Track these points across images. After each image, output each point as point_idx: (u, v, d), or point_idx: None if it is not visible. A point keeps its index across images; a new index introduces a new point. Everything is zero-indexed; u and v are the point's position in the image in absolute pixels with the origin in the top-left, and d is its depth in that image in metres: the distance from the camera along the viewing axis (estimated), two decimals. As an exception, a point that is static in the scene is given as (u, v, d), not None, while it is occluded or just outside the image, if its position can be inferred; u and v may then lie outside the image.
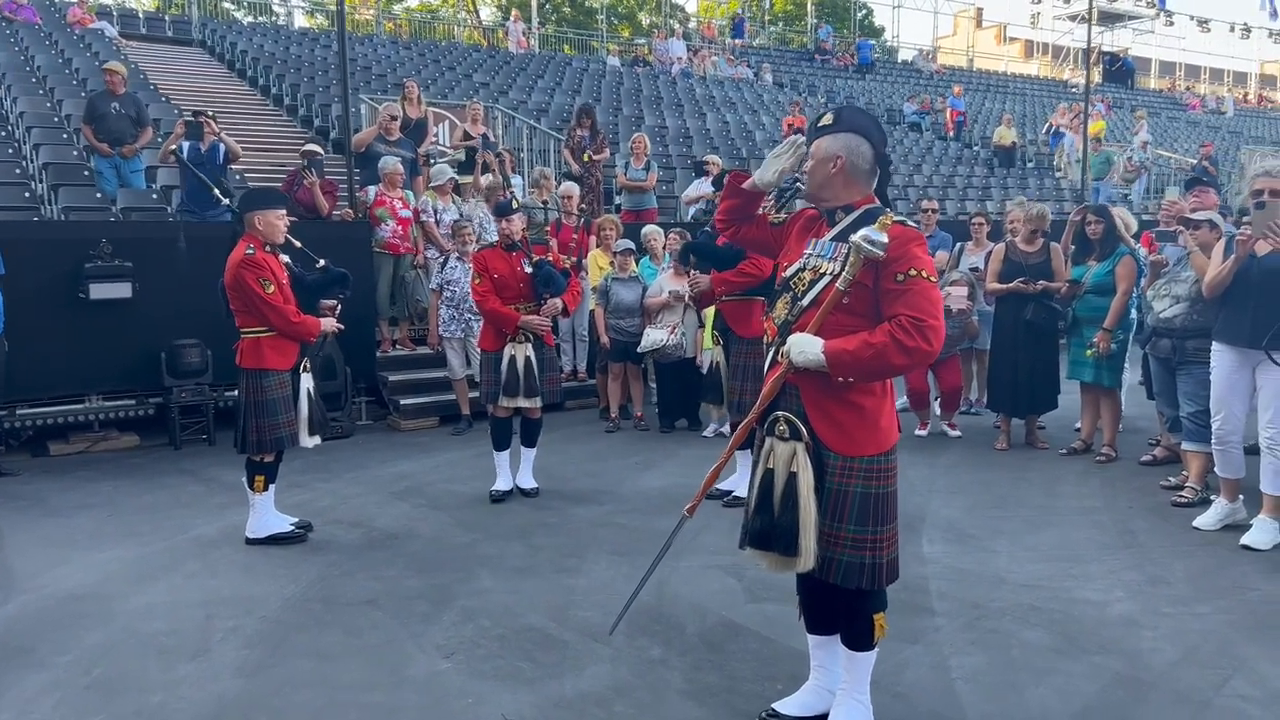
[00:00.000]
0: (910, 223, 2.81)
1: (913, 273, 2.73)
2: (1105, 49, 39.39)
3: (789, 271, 2.99)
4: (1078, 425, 7.64)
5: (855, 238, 2.71)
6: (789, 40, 37.31)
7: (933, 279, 2.77)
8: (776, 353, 2.95)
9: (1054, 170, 21.27)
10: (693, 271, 5.97)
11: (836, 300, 2.78)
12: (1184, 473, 5.96)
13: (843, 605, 3.00)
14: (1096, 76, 38.88)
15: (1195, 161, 20.60)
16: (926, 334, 2.68)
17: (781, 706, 3.19)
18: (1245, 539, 4.88)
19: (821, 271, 2.86)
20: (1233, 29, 43.40)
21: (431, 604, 4.33)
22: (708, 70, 25.26)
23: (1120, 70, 38.89)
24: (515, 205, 5.91)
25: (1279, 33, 43.05)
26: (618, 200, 12.10)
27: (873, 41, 35.84)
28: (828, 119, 2.88)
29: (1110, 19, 40.94)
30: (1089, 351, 6.65)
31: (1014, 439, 7.30)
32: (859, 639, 3.01)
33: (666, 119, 18.48)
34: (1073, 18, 41.22)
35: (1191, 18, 41.92)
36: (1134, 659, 3.65)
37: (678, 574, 4.61)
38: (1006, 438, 7.25)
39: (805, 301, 2.87)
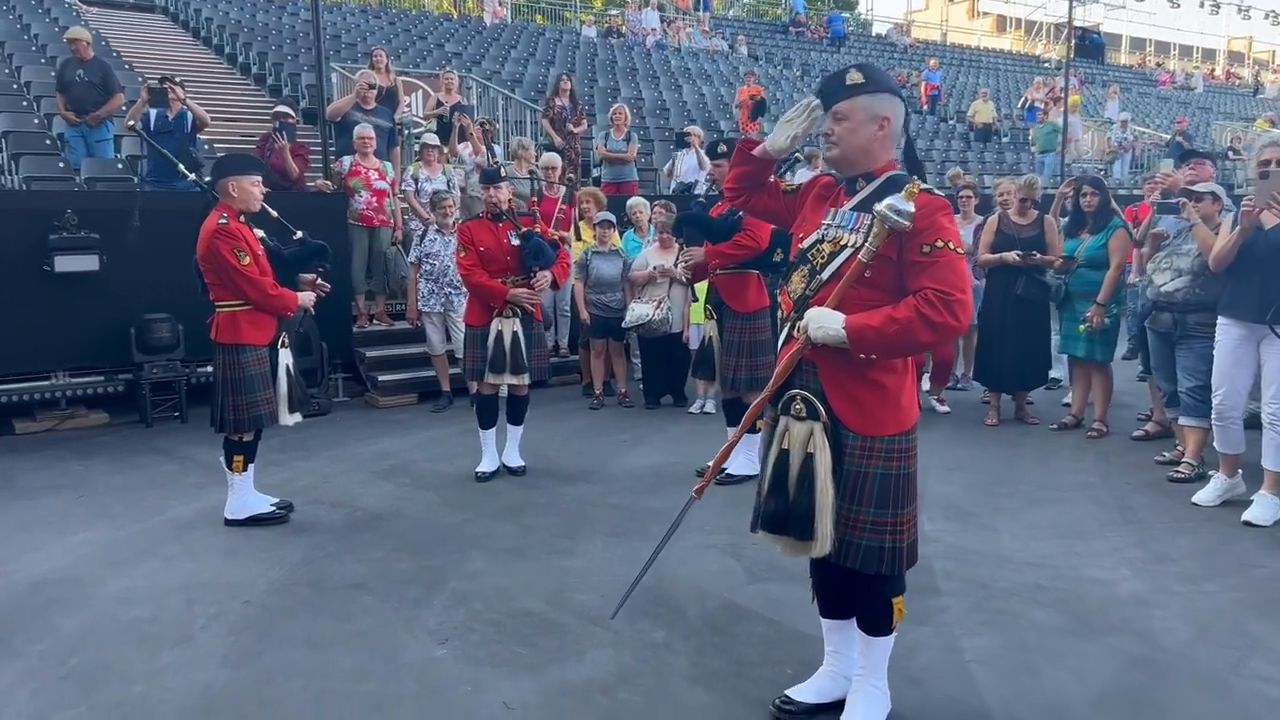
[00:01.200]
0: (936, 191, 2.68)
1: (939, 244, 2.60)
2: (1076, 24, 39.39)
3: (806, 243, 2.85)
4: (1065, 400, 7.62)
5: (880, 207, 2.57)
6: (763, 13, 36.97)
7: (960, 251, 2.64)
8: (792, 328, 2.81)
9: (1030, 145, 21.23)
10: (684, 244, 5.81)
11: (858, 273, 2.65)
12: (1179, 448, 5.93)
13: (859, 589, 2.89)
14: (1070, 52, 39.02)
15: (1169, 137, 20.66)
16: (954, 309, 2.55)
17: (796, 693, 3.08)
18: (1247, 515, 4.84)
19: (842, 243, 2.73)
20: (1202, 4, 43.50)
21: (423, 587, 4.18)
22: (682, 42, 24.97)
23: (1090, 46, 38.95)
24: (502, 173, 5.71)
25: (1248, 9, 43.35)
26: (596, 172, 11.90)
27: (845, 14, 35.60)
28: (856, 77, 2.72)
29: (1080, -7, 40.94)
30: (1082, 326, 6.58)
31: (1003, 414, 7.23)
32: (877, 624, 2.91)
33: (643, 91, 18.23)
34: (1045, -8, 41.26)
35: (1161, -8, 42.04)
36: (1148, 639, 3.58)
37: (674, 554, 4.47)
38: (996, 413, 7.18)
39: (824, 275, 2.73)
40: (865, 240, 2.63)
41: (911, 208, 2.55)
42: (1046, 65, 35.44)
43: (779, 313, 2.94)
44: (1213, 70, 44.24)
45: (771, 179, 3.14)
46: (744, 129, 14.62)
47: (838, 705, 3.02)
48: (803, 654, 3.47)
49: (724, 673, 3.37)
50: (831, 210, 2.83)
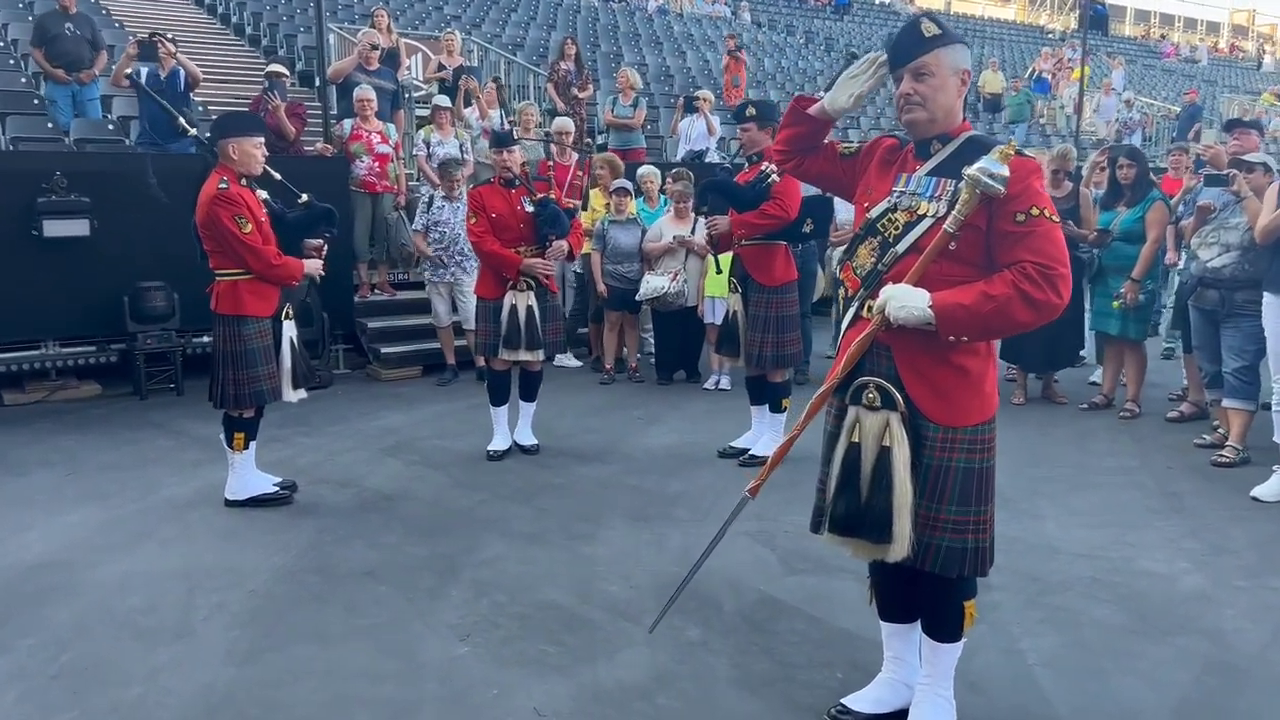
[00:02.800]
0: (1028, 153, 2.40)
1: (1035, 211, 2.33)
2: (1081, -6, 38.90)
3: (874, 212, 2.57)
4: (1093, 379, 7.39)
5: (972, 171, 2.29)
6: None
7: (1056, 219, 2.37)
8: (861, 307, 2.54)
9: (1038, 118, 20.90)
10: (708, 212, 5.51)
11: (943, 246, 2.37)
12: (1218, 429, 5.70)
13: (929, 592, 2.64)
14: (1072, 22, 38.50)
15: (1179, 110, 20.33)
16: (1056, 284, 2.29)
17: (853, 702, 2.83)
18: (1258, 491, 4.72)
19: (921, 212, 2.45)
20: (1208, -24, 43.02)
21: (438, 576, 3.93)
22: (684, 8, 24.47)
23: (1095, 17, 38.43)
24: (516, 136, 5.39)
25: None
26: (602, 139, 11.56)
27: (850, -19, 34.97)
28: (932, 27, 2.43)
29: (1087, -37, 40.39)
30: (1116, 303, 6.33)
31: (1030, 392, 6.99)
32: (946, 629, 2.66)
33: (646, 56, 17.83)
34: (1050, -39, 40.66)
35: (1167, -36, 41.54)
36: (1219, 640, 3.35)
37: (703, 542, 4.13)
38: (1023, 391, 6.94)
39: (900, 248, 2.46)
40: (951, 209, 2.36)
41: (1006, 171, 2.28)
42: (1051, 36, 35.00)
43: (841, 291, 2.66)
44: (1216, 43, 43.77)
45: (827, 141, 2.85)
46: (726, 93, 14.21)
47: (898, 715, 2.79)
48: (852, 655, 3.23)
49: (769, 676, 3.12)
50: (902, 176, 2.55)
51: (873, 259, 2.53)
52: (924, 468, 2.46)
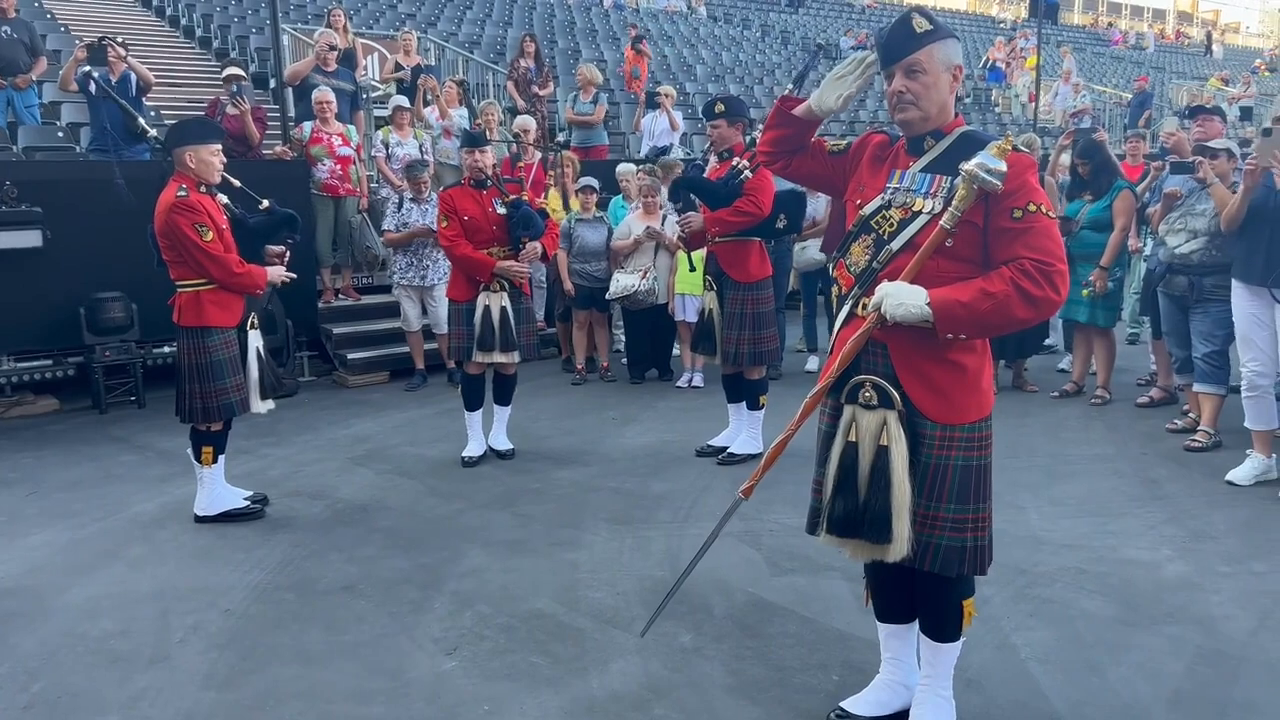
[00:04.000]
0: (1023, 148, 2.37)
1: (1032, 207, 2.30)
2: (1031, -17, 39.31)
3: (867, 209, 2.52)
4: (1062, 366, 7.45)
5: (970, 166, 2.26)
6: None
7: (1053, 215, 2.34)
8: (856, 305, 2.50)
9: (993, 106, 21.11)
10: (681, 209, 5.45)
11: (939, 242, 2.34)
12: (1189, 414, 5.76)
13: (927, 591, 2.61)
14: (1022, 12, 38.94)
15: (1130, 95, 20.61)
16: (1054, 281, 2.26)
17: (852, 705, 2.80)
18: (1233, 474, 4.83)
19: (915, 209, 2.41)
20: (1153, -36, 43.72)
21: (420, 589, 3.85)
22: (640, 3, 24.40)
23: (1044, 6, 38.88)
24: (488, 137, 5.30)
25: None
26: (563, 136, 11.46)
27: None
28: (924, 23, 2.39)
29: (1036, -47, 40.82)
30: (1085, 291, 6.36)
31: (1000, 381, 7.02)
32: (944, 628, 2.64)
33: (604, 52, 17.73)
34: (1000, -49, 41.07)
35: (1113, -48, 42.14)
36: (1209, 628, 3.36)
37: (688, 544, 4.20)
38: (994, 381, 6.95)
39: (895, 245, 2.42)
40: (947, 205, 2.32)
41: (1004, 166, 2.24)
42: (1003, 25, 35.36)
43: (834, 289, 2.62)
44: (1163, 30, 44.50)
45: (814, 140, 2.80)
46: (628, 84, 13.92)
47: (898, 717, 2.76)
48: (846, 656, 3.20)
49: (765, 681, 3.08)
50: (895, 172, 2.51)
51: (867, 256, 2.49)
52: (922, 466, 2.43)
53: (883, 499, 2.41)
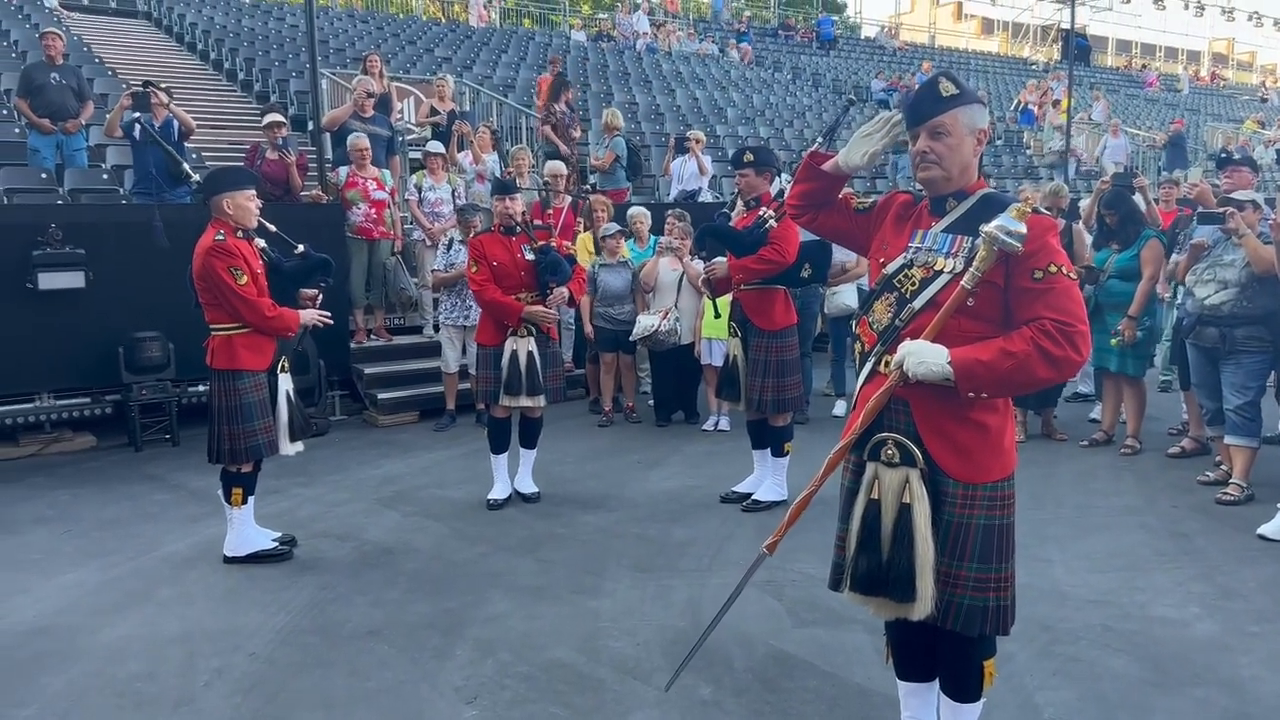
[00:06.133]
0: (1044, 210, 2.40)
1: (1053, 269, 2.33)
2: (1064, 26, 39.39)
3: (890, 268, 2.55)
4: (1093, 415, 7.38)
5: (990, 229, 2.29)
6: (752, 16, 36.74)
7: (1073, 276, 2.36)
8: (878, 362, 2.52)
9: (1025, 148, 21.09)
10: (705, 257, 5.50)
11: (960, 302, 2.36)
12: (1221, 466, 5.69)
13: (947, 650, 2.61)
14: (1055, 54, 38.98)
15: (1166, 137, 20.53)
16: (1075, 341, 2.28)
17: (872, 764, 2.79)
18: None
19: (937, 268, 2.44)
20: (1186, 6, 43.63)
21: (442, 634, 3.87)
22: (673, 46, 24.71)
23: (1077, 48, 38.89)
24: (519, 185, 5.39)
25: (1231, 11, 43.48)
26: (593, 180, 11.58)
27: (834, 17, 35.46)
28: (950, 87, 2.44)
29: (1068, -4, 40.93)
30: (1114, 340, 6.33)
31: (1029, 429, 6.97)
32: (965, 688, 2.62)
33: (636, 95, 17.95)
34: (1032, -6, 41.23)
35: (1148, -4, 42.15)
36: (1237, 691, 3.31)
37: (710, 594, 4.20)
38: (1023, 429, 6.90)
39: (917, 304, 2.45)
40: (968, 265, 2.35)
41: (1023, 228, 2.27)
42: (1035, 67, 35.41)
43: (858, 346, 2.64)
44: (1198, 72, 44.34)
45: (841, 196, 2.84)
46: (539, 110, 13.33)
47: (918, 777, 2.73)
48: (866, 713, 3.18)
49: (785, 736, 3.07)
50: (918, 232, 2.55)
51: (889, 314, 2.52)
52: (944, 525, 2.43)
53: (906, 557, 2.41)
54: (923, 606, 2.41)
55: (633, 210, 8.43)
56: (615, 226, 7.82)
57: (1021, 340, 2.30)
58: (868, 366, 2.56)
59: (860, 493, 2.52)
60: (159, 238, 5.79)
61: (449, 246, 7.53)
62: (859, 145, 2.66)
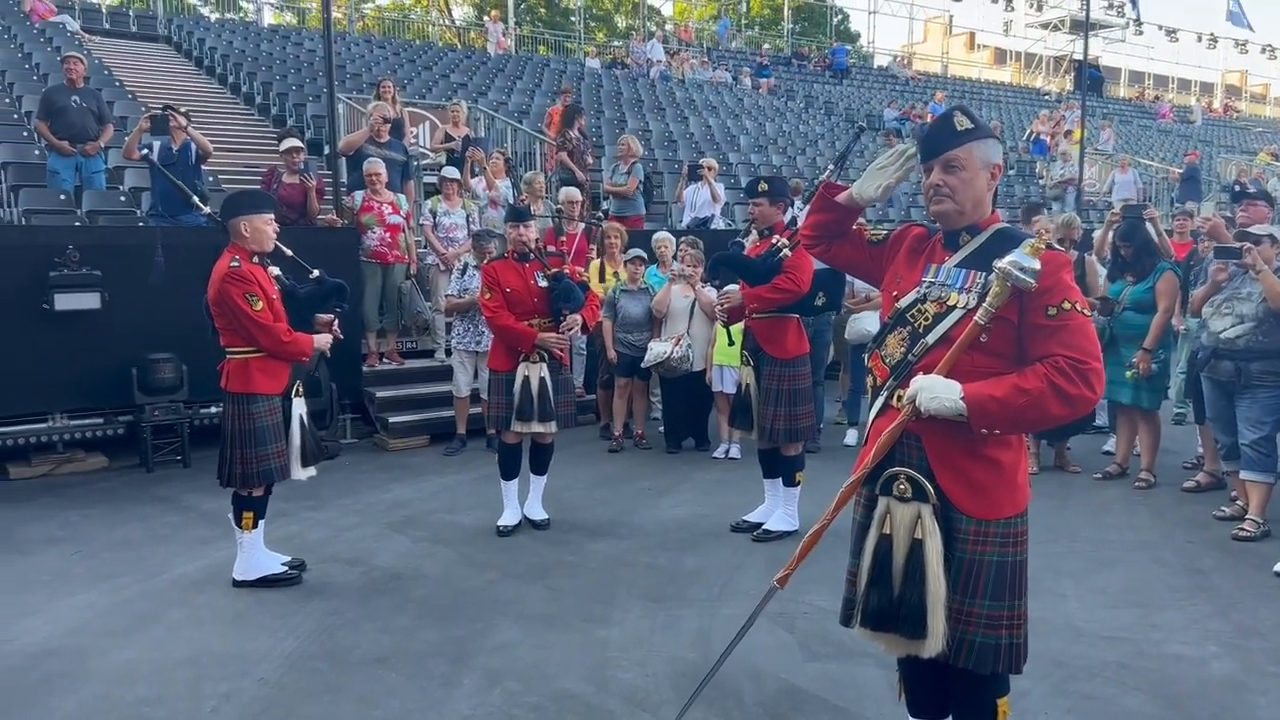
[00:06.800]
0: (1058, 245, 2.40)
1: (1066, 305, 2.32)
2: (1076, 57, 39.52)
3: (904, 302, 2.55)
4: (1106, 448, 7.33)
5: (1003, 264, 2.28)
6: (766, 44, 37.02)
7: (1088, 313, 2.36)
8: (890, 397, 2.51)
9: (1037, 178, 21.10)
10: (719, 285, 5.51)
11: (974, 337, 2.36)
12: (1237, 501, 5.64)
13: (960, 688, 2.58)
14: (1068, 84, 39.10)
15: (1181, 170, 20.53)
16: (1089, 379, 2.27)
17: (883, 802, 2.75)
18: None
19: (950, 304, 2.44)
20: (1200, 39, 43.79)
21: (450, 662, 3.85)
22: (686, 73, 24.87)
23: (1089, 79, 38.99)
24: (533, 211, 5.42)
25: (1244, 43, 43.58)
26: (605, 205, 11.62)
27: (848, 47, 35.67)
28: (965, 121, 2.44)
29: (1081, 27, 41.08)
30: (1129, 373, 6.30)
31: (1042, 461, 6.93)
32: (978, 727, 2.59)
33: (649, 122, 18.06)
34: (1045, 25, 41.42)
35: (1160, 27, 42.35)
36: (1256, 732, 3.27)
37: (720, 624, 4.17)
38: (1036, 460, 6.87)
39: (930, 339, 2.44)
40: (981, 301, 2.34)
41: (1037, 265, 2.27)
42: (1047, 97, 35.51)
43: (870, 379, 2.63)
44: (1211, 103, 44.38)
45: (854, 227, 2.84)
46: (551, 135, 13.21)
47: (931, 816, 2.70)
48: (879, 748, 3.15)
49: (795, 772, 3.04)
50: (931, 266, 2.55)
51: (902, 349, 2.51)
52: (956, 561, 2.42)
53: (918, 594, 2.40)
54: (934, 644, 2.39)
55: (658, 236, 8.45)
56: (637, 252, 7.83)
57: (1035, 377, 2.29)
58: (880, 400, 2.55)
59: (872, 528, 2.50)
60: (158, 274, 5.89)
61: (463, 271, 7.56)
62: (873, 178, 2.67)
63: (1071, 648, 3.93)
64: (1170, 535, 5.40)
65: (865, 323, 7.62)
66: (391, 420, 7.93)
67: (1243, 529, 5.29)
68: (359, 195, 8.23)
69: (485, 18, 29.79)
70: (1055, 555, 5.03)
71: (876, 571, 2.47)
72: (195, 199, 5.29)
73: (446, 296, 7.73)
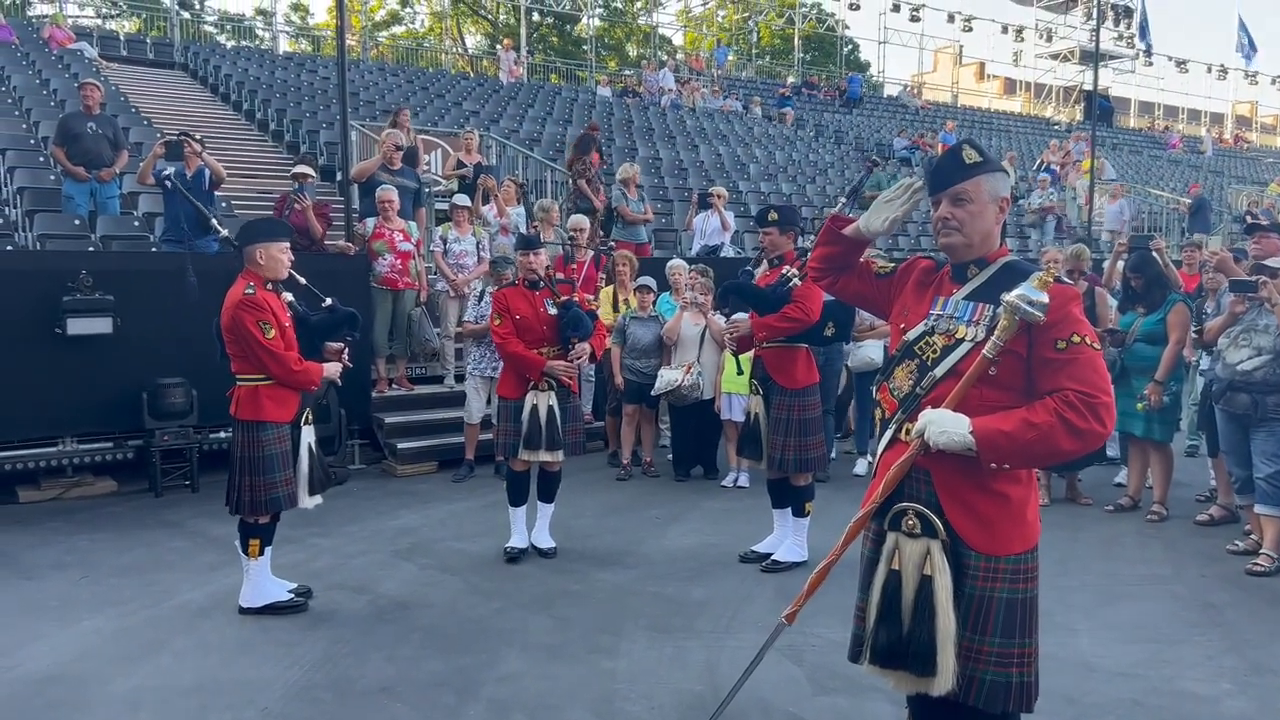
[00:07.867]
0: (1066, 279, 2.39)
1: (1075, 339, 2.31)
2: (1086, 88, 39.63)
3: (912, 335, 2.55)
4: (1118, 480, 7.28)
5: (1011, 298, 2.28)
6: (776, 74, 37.26)
7: (1097, 346, 2.34)
8: (899, 430, 2.50)
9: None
10: (729, 314, 5.51)
11: (982, 371, 2.35)
12: (1251, 535, 5.59)
13: (970, 726, 2.54)
14: (1078, 114, 39.21)
15: (1188, 200, 20.52)
16: (1099, 413, 2.25)
17: (892, 842, 2.71)
18: None
19: (959, 336, 2.43)
20: (1210, 70, 43.88)
21: (456, 693, 3.83)
22: (697, 102, 25.02)
23: (1099, 109, 39.07)
24: (544, 239, 5.44)
25: (1254, 74, 43.68)
26: (611, 241, 11.62)
27: (861, 76, 35.85)
28: (973, 154, 2.45)
29: (1091, 58, 41.23)
30: (1140, 405, 6.26)
31: (1053, 493, 6.88)
32: (989, 767, 2.55)
33: (660, 150, 18.15)
34: (1054, 56, 41.57)
35: (1170, 58, 42.48)
36: (1271, 772, 3.21)
37: (728, 656, 4.14)
38: (1047, 492, 6.82)
39: (939, 372, 2.43)
40: (989, 334, 2.34)
41: (1045, 298, 2.26)
42: (1057, 127, 35.58)
43: (879, 412, 2.62)
44: (1221, 134, 44.40)
45: (863, 259, 2.85)
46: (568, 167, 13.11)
47: None
48: (888, 785, 3.10)
49: (803, 809, 3.00)
50: (939, 299, 2.54)
51: (910, 382, 2.50)
52: (966, 597, 2.39)
53: (927, 630, 2.37)
54: (943, 682, 2.36)
55: (671, 263, 8.48)
56: (646, 280, 7.85)
57: (1044, 411, 2.28)
58: (888, 433, 2.54)
59: (881, 563, 2.48)
60: (191, 291, 5.91)
61: (480, 298, 7.59)
62: (880, 211, 2.67)
63: (1083, 684, 3.88)
64: (1183, 569, 5.35)
65: (869, 350, 7.62)
66: (400, 446, 7.93)
67: (1257, 564, 5.24)
68: (370, 222, 8.27)
69: (498, 46, 30.04)
70: (1066, 589, 4.98)
71: (885, 608, 2.45)
72: (214, 222, 5.33)
73: (464, 322, 7.76)
